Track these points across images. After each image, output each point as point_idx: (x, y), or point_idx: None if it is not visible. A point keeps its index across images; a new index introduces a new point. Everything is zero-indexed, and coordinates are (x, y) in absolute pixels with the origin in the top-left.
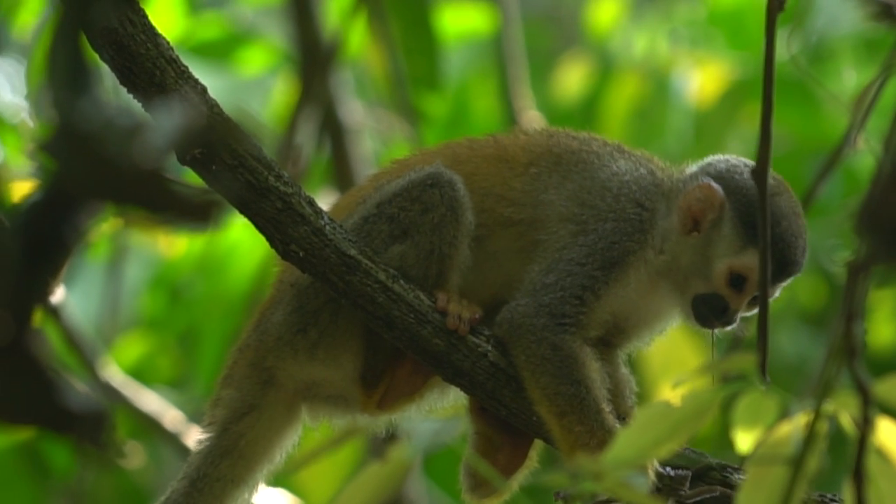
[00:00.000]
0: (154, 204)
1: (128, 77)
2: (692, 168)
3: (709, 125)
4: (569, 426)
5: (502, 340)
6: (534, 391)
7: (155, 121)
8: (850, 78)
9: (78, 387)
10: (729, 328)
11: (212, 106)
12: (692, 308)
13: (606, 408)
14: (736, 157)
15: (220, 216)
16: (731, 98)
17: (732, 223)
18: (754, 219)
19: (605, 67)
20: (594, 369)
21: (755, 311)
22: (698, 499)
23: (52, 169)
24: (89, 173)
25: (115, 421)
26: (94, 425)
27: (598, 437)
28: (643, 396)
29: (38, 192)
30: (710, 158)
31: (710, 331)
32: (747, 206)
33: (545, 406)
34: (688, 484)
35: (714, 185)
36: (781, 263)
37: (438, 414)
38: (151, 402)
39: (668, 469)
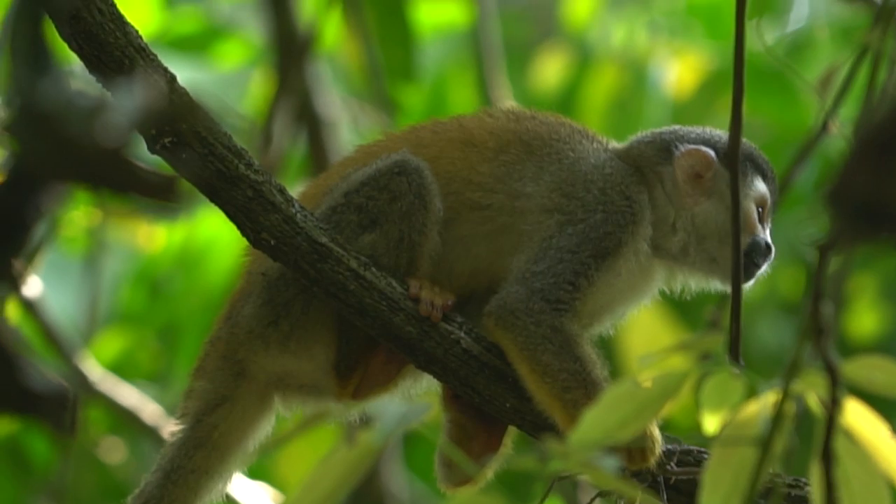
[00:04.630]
0: (117, 183)
1: (97, 66)
2: (624, 144)
3: (687, 115)
4: (573, 401)
5: (494, 327)
6: (533, 372)
7: (118, 102)
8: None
9: (40, 369)
10: (770, 261)
11: (181, 94)
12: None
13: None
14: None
15: (185, 196)
16: (709, 88)
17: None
18: (736, 152)
19: (583, 58)
20: (592, 351)
21: None
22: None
23: (15, 150)
24: (51, 153)
25: (78, 402)
26: (56, 406)
27: None
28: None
29: (1, 174)
30: (636, 137)
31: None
32: (724, 146)
33: (548, 385)
34: (675, 459)
35: (692, 146)
36: (775, 192)
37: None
38: (130, 396)
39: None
